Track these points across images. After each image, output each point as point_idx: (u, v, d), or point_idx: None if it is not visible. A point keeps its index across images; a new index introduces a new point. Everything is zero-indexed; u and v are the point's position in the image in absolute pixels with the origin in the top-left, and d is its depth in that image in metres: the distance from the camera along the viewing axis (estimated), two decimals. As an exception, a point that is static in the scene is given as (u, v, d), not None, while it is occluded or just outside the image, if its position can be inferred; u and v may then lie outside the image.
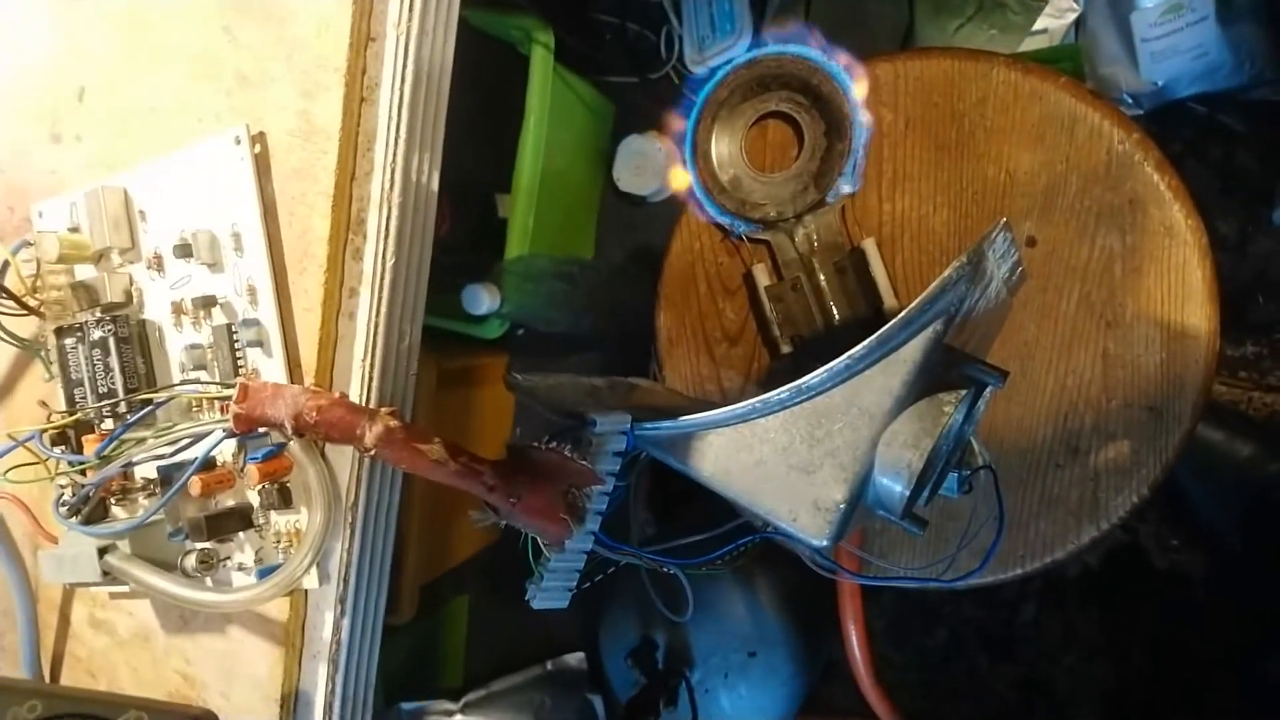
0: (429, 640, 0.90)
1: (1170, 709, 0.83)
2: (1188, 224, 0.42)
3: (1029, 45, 0.75)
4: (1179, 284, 0.43)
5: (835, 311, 0.46)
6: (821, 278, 0.46)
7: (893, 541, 0.49)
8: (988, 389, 0.34)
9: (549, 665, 0.96)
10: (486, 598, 0.94)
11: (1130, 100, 0.73)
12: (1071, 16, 0.73)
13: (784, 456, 0.33)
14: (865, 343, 0.30)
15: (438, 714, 0.89)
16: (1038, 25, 0.74)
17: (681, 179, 0.48)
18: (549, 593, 0.36)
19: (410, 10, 0.29)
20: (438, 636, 0.91)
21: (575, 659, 0.96)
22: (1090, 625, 0.86)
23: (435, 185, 0.31)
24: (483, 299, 0.75)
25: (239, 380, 0.28)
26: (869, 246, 0.45)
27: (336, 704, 0.33)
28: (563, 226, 0.87)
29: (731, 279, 0.51)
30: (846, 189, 0.45)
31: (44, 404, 0.35)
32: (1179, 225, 0.42)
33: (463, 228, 0.81)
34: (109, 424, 0.34)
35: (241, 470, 0.31)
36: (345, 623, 0.32)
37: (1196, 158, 0.78)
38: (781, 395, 0.32)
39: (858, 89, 0.44)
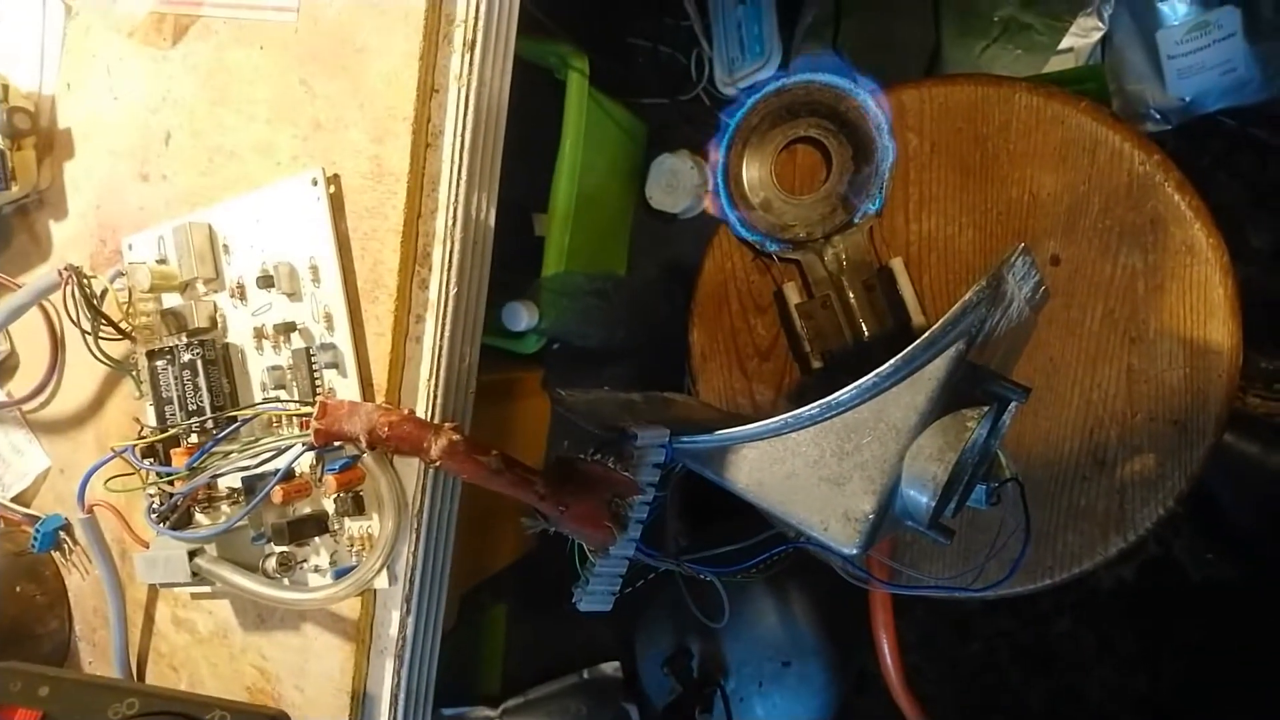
0: (469, 648, 0.92)
1: (1206, 721, 0.82)
2: (1209, 242, 0.44)
3: (1055, 65, 0.75)
4: (1200, 301, 0.44)
5: (864, 328, 0.48)
6: (851, 295, 0.48)
7: (923, 552, 0.50)
8: (1011, 404, 0.36)
9: (585, 674, 0.96)
10: (523, 608, 0.96)
11: (1158, 116, 0.74)
12: (1097, 35, 0.74)
13: (815, 469, 0.35)
14: (891, 361, 0.32)
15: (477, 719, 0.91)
16: (1063, 44, 0.74)
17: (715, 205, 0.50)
18: (594, 596, 0.39)
19: (470, 64, 0.32)
20: (477, 645, 0.93)
21: (611, 668, 0.97)
22: (1125, 638, 0.86)
23: (492, 221, 0.34)
24: (522, 316, 0.77)
25: (318, 398, 0.30)
26: (897, 265, 0.46)
27: (402, 697, 0.35)
28: (597, 244, 0.89)
29: (763, 297, 0.52)
30: (873, 210, 0.47)
31: (137, 420, 0.38)
32: (1200, 244, 0.44)
33: (500, 246, 0.84)
34: (195, 439, 0.37)
35: (319, 480, 0.34)
36: (410, 621, 0.35)
37: (1227, 171, 0.78)
38: (812, 411, 0.34)
39: (884, 115, 0.46)
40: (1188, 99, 0.71)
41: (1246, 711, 0.79)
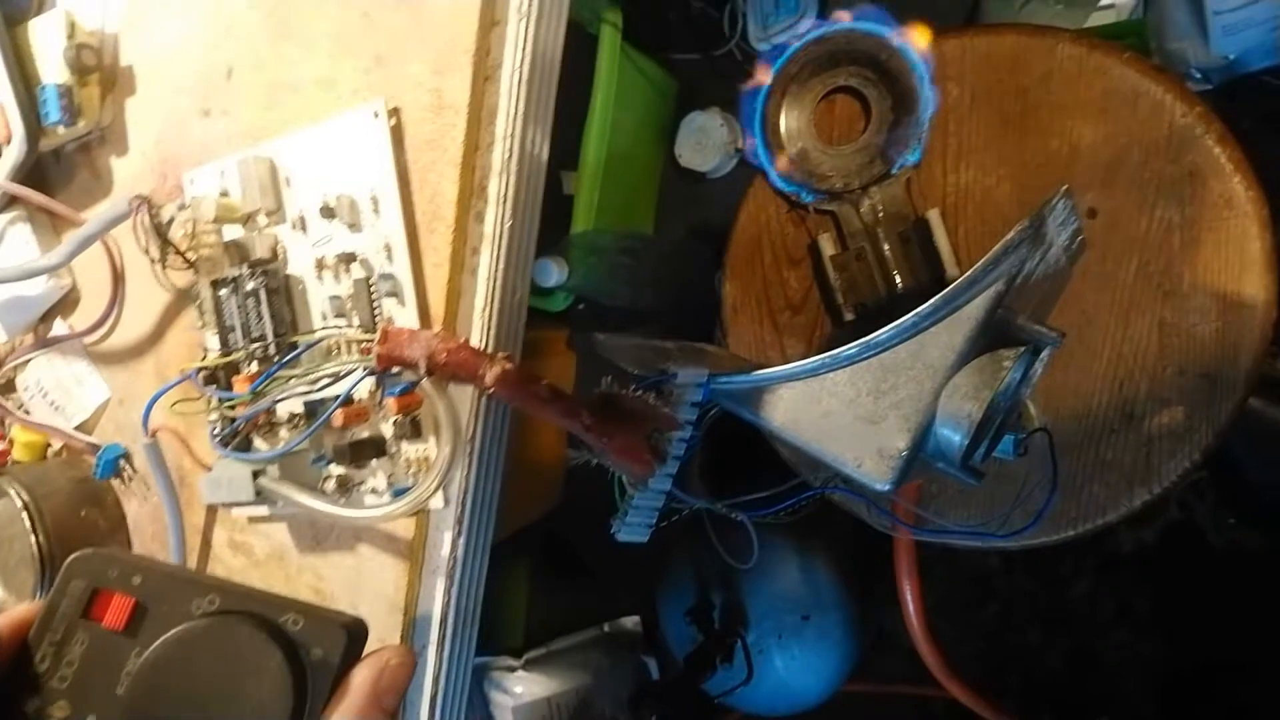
0: (492, 600, 0.94)
1: (1222, 687, 0.83)
2: (1248, 195, 0.43)
3: (1095, 20, 0.74)
4: (1237, 255, 0.44)
5: (899, 280, 0.48)
6: (886, 247, 0.48)
7: (949, 503, 0.50)
8: (1045, 350, 0.36)
9: (606, 628, 0.98)
10: (545, 565, 0.97)
11: (1199, 75, 0.72)
12: (1140, -9, 0.73)
13: (851, 408, 0.35)
14: (932, 301, 0.33)
15: (501, 669, 0.92)
16: (1104, 0, 0.73)
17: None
18: (632, 527, 0.40)
19: (530, -4, 0.32)
20: (501, 598, 0.95)
21: (631, 622, 0.98)
22: (1144, 602, 0.87)
23: (545, 156, 0.35)
24: (552, 271, 0.77)
25: (380, 325, 0.32)
26: (933, 217, 0.46)
27: (451, 615, 0.37)
28: (626, 203, 0.89)
29: (796, 249, 0.53)
30: (912, 162, 0.47)
31: (201, 348, 0.40)
32: (1239, 197, 0.43)
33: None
34: (255, 366, 0.38)
35: (380, 404, 0.36)
36: (461, 541, 0.36)
37: (1271, 132, 0.77)
38: (850, 351, 0.34)
39: (924, 64, 0.46)
40: (1232, 57, 0.70)
41: (1261, 682, 0.80)
